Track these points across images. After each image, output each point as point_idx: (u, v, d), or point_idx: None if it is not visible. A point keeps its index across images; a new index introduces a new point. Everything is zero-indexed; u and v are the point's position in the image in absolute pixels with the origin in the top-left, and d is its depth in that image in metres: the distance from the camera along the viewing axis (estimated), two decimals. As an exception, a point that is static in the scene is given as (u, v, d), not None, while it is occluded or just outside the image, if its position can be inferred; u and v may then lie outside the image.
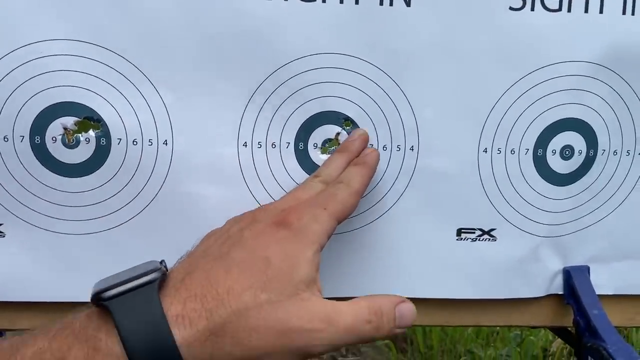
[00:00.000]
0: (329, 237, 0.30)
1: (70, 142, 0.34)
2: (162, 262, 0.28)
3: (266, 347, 0.26)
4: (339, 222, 0.31)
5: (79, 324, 0.25)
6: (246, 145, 0.36)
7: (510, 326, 0.50)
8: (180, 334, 0.25)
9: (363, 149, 0.35)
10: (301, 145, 0.36)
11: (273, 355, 0.26)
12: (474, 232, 0.38)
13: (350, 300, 0.28)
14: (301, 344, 0.26)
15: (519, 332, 1.11)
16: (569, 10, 0.35)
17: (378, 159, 0.35)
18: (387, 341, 1.16)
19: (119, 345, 0.24)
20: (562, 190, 0.39)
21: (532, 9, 0.35)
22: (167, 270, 0.28)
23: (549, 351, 1.11)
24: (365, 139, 0.36)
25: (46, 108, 0.33)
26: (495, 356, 1.09)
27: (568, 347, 1.04)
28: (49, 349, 0.24)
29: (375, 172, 0.35)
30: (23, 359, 0.24)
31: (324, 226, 0.30)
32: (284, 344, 0.26)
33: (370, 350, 1.20)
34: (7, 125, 0.33)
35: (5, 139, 0.33)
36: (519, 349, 1.08)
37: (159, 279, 0.26)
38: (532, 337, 1.09)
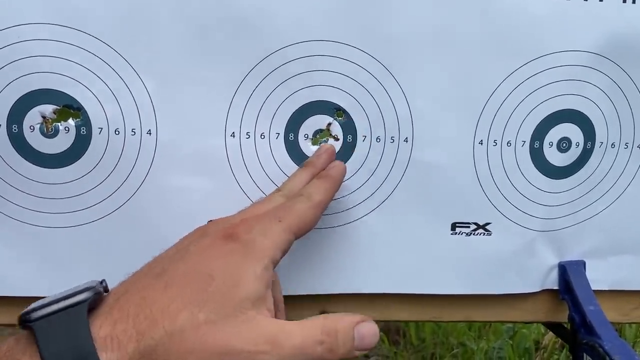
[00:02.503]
0: (283, 252, 0.28)
1: (49, 132, 0.33)
2: (102, 281, 0.26)
3: None
4: (297, 236, 0.30)
5: (6, 348, 0.24)
6: (234, 136, 0.34)
7: (505, 322, 0.50)
8: (107, 357, 0.23)
9: (329, 164, 0.34)
10: (291, 135, 0.35)
11: None
12: (468, 227, 0.37)
13: (303, 320, 0.26)
14: None
15: (511, 325, 1.11)
16: (568, -2, 0.34)
17: (344, 173, 0.34)
18: (379, 333, 1.16)
19: None
20: (559, 184, 0.38)
21: (531, -4, 0.34)
22: (104, 290, 0.26)
23: (542, 344, 1.11)
24: (332, 154, 0.35)
25: (24, 95, 0.32)
26: (487, 349, 1.09)
27: (560, 340, 1.04)
28: None
29: (340, 185, 0.34)
30: None
31: (276, 240, 0.28)
32: None
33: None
34: (-17, 113, 0.32)
35: (-19, 128, 0.32)
36: (511, 342, 1.08)
37: (90, 299, 0.24)
38: (524, 330, 1.09)
